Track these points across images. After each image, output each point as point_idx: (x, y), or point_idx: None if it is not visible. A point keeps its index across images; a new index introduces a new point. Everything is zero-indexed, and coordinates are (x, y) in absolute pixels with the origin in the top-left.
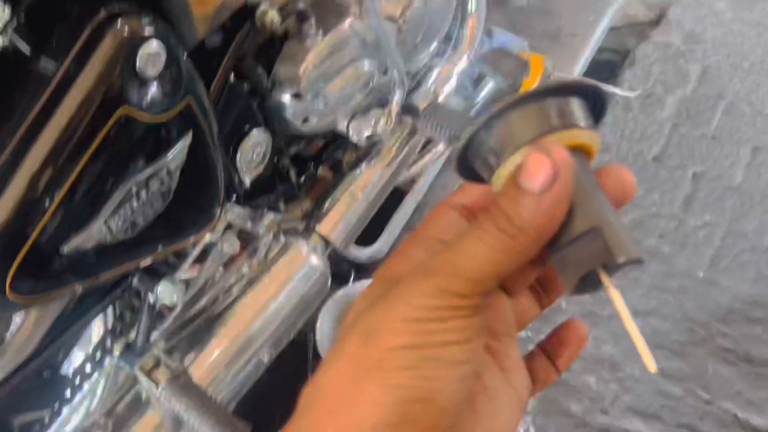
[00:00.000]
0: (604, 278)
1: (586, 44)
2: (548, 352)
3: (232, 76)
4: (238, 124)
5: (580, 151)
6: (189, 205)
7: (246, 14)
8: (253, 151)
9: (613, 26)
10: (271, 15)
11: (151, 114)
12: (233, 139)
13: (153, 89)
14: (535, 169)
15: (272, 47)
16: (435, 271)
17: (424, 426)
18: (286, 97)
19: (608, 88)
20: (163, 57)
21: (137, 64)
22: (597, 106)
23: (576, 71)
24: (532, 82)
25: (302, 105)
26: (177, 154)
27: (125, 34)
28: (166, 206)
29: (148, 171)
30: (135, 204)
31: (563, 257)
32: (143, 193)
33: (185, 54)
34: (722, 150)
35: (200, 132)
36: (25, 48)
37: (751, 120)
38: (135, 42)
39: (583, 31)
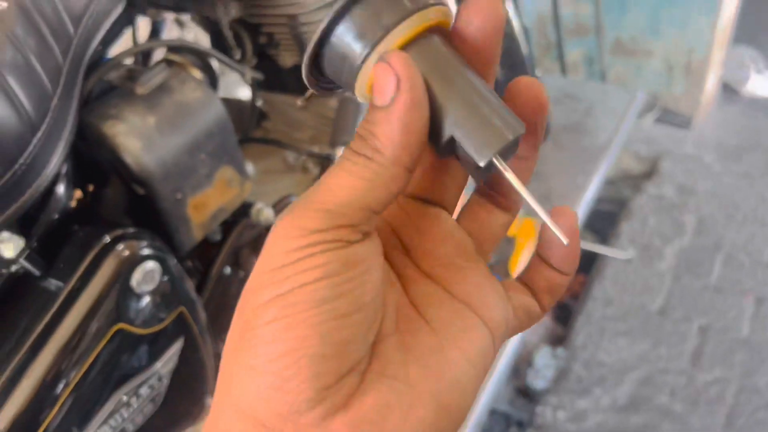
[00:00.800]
0: (498, 165)
1: (577, 205)
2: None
3: (228, 268)
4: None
5: (436, 32)
6: (179, 401)
7: (243, 211)
8: None
9: (608, 179)
10: (266, 212)
11: (145, 328)
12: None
13: (147, 305)
14: (382, 82)
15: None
16: (291, 210)
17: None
18: None
19: (602, 250)
20: (158, 275)
21: (133, 283)
22: None
23: None
24: (523, 246)
25: None
26: (169, 359)
27: (124, 256)
28: (156, 409)
29: (140, 379)
30: (125, 413)
31: (454, 155)
32: (134, 401)
33: (179, 266)
34: (726, 301)
35: (192, 336)
36: (35, 272)
37: (751, 270)
38: (132, 263)
39: (573, 192)
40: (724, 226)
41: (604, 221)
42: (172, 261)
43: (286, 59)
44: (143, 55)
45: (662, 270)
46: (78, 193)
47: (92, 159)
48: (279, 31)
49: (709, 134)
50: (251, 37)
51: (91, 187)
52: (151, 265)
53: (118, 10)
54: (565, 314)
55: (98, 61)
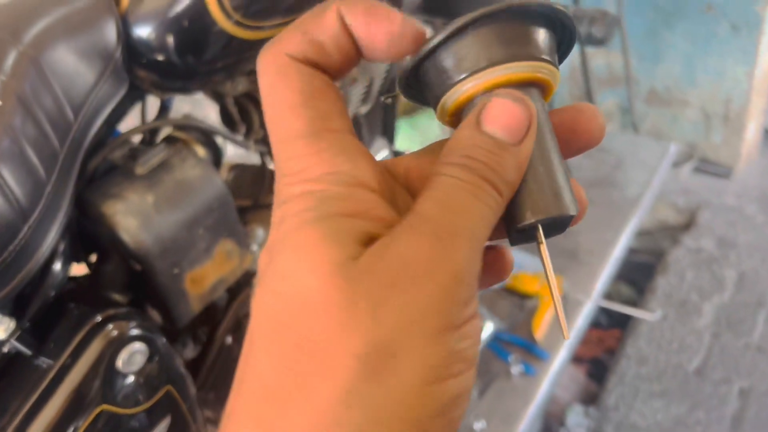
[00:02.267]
0: (540, 234)
1: (605, 262)
2: None
3: (229, 338)
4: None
5: (537, 87)
6: None
7: (246, 279)
8: None
9: (645, 230)
10: None
11: (129, 407)
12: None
13: (132, 385)
14: (508, 118)
15: None
16: (447, 237)
17: None
18: None
19: (629, 311)
20: (144, 355)
21: (119, 364)
22: (564, 38)
23: (595, 289)
24: (547, 306)
25: None
26: None
27: (111, 337)
28: None
29: None
30: None
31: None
32: None
33: (167, 346)
34: None
35: (180, 413)
36: (26, 351)
37: None
38: (119, 344)
39: (601, 248)
40: (767, 281)
41: (640, 273)
42: (161, 340)
43: None
44: (151, 131)
45: (700, 327)
46: (78, 267)
47: (93, 235)
48: None
49: (751, 184)
50: (258, 109)
51: (93, 258)
52: (137, 346)
53: (121, 94)
54: (599, 371)
55: (104, 139)
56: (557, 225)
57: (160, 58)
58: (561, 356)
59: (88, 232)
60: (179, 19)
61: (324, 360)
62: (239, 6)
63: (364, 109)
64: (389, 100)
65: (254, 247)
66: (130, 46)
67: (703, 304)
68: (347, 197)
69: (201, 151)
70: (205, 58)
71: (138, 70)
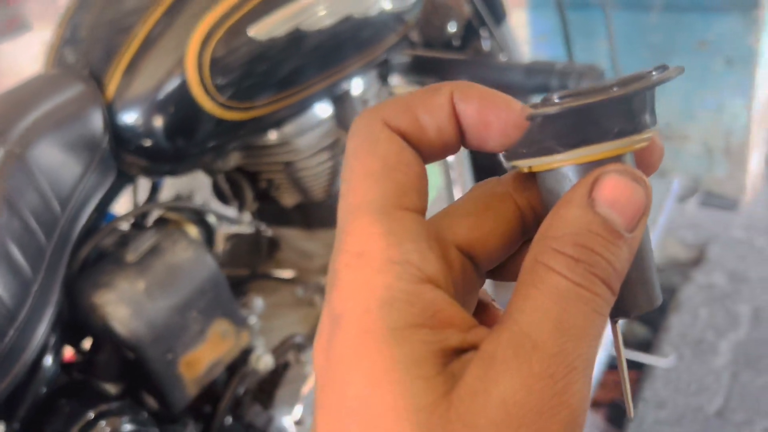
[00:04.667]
0: (619, 325)
1: None
2: None
3: (229, 418)
4: None
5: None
6: None
7: (242, 358)
8: None
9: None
10: (265, 360)
11: None
12: None
13: None
14: (635, 204)
15: (271, 382)
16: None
17: None
18: (288, 422)
19: (642, 358)
20: None
21: None
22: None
23: (608, 337)
24: None
25: (304, 429)
26: None
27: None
28: None
29: None
30: None
31: None
32: None
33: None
34: None
35: None
36: None
37: None
38: None
39: None
40: None
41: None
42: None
43: (288, 200)
44: (142, 214)
45: (718, 367)
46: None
47: (85, 324)
48: (277, 177)
49: (759, 215)
50: (251, 183)
51: (87, 345)
52: None
53: (110, 182)
54: (617, 415)
55: (95, 226)
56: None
57: (148, 143)
58: None
59: (80, 321)
60: (165, 105)
61: None
62: (224, 89)
63: None
64: (527, 112)
65: (253, 319)
66: (117, 133)
67: (720, 342)
68: (415, 300)
69: (193, 230)
70: (193, 141)
71: (126, 156)
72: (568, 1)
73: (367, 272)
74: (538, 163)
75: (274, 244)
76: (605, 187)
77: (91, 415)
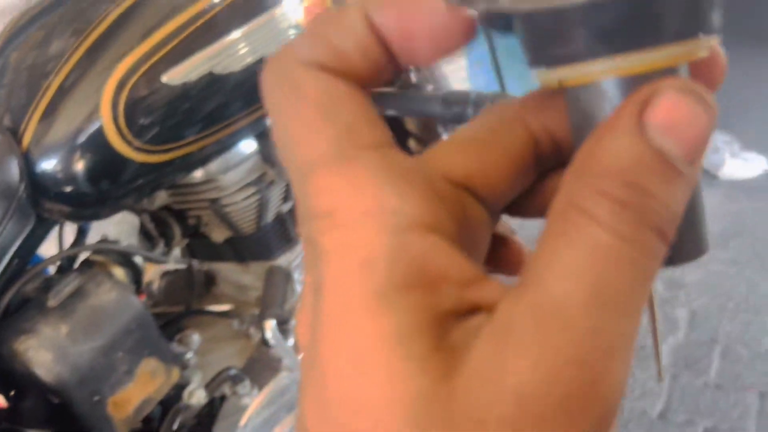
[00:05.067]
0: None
1: None
2: None
3: None
4: None
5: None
6: None
7: (176, 394)
8: None
9: None
10: (197, 395)
11: None
12: None
13: None
14: (696, 132)
15: (209, 416)
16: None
17: None
18: None
19: None
20: None
21: None
22: None
23: None
24: None
25: None
26: None
27: None
28: None
29: None
30: None
31: None
32: None
33: None
34: (728, 399)
35: None
36: None
37: (750, 363)
38: None
39: None
40: (717, 318)
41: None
42: None
43: (217, 235)
44: (68, 257)
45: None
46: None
47: (10, 371)
48: (205, 213)
49: None
50: (179, 221)
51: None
52: None
53: (28, 229)
54: None
55: (19, 271)
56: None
57: (68, 189)
58: None
59: (4, 369)
60: (82, 152)
61: None
62: (140, 133)
63: (287, 207)
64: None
65: (189, 355)
66: (35, 181)
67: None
68: (400, 254)
69: (119, 272)
70: (114, 185)
71: (46, 202)
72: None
73: (341, 232)
74: (573, 75)
75: (210, 279)
76: (661, 108)
77: None
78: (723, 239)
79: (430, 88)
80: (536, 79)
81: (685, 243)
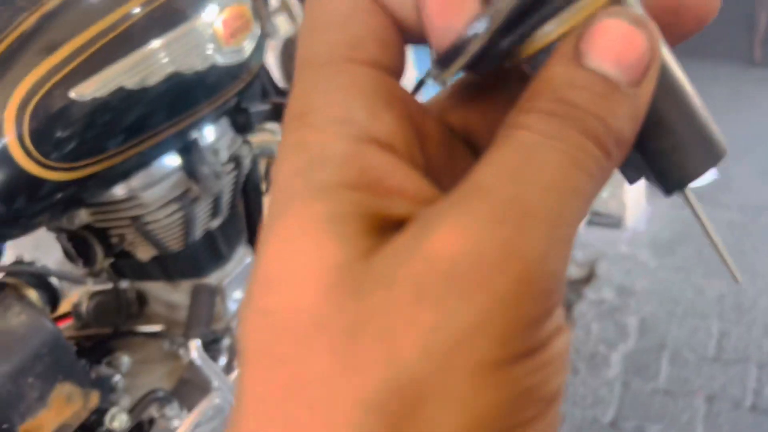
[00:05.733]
0: (689, 194)
1: None
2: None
3: None
4: None
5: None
6: None
7: (98, 419)
8: None
9: None
10: (119, 418)
11: None
12: None
13: None
14: (623, 47)
15: None
16: (516, 224)
17: None
18: None
19: None
20: None
21: None
22: None
23: None
24: None
25: None
26: None
27: None
28: None
29: None
30: None
31: (652, 159)
32: None
33: None
34: (677, 404)
35: None
36: None
37: (696, 367)
38: None
39: None
40: (666, 324)
41: None
42: None
43: (143, 254)
44: None
45: (610, 378)
46: None
47: None
48: (128, 231)
49: (642, 231)
50: (101, 240)
51: None
52: None
53: None
54: None
55: None
56: None
57: None
58: None
59: None
60: None
61: (322, 412)
62: (48, 150)
63: (216, 223)
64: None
65: (116, 377)
66: None
67: (611, 353)
68: (353, 161)
69: (33, 294)
70: (23, 204)
71: None
72: None
73: (303, 132)
74: (526, 50)
75: (141, 299)
76: (594, 35)
77: None
78: (670, 246)
79: None
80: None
81: (689, 153)
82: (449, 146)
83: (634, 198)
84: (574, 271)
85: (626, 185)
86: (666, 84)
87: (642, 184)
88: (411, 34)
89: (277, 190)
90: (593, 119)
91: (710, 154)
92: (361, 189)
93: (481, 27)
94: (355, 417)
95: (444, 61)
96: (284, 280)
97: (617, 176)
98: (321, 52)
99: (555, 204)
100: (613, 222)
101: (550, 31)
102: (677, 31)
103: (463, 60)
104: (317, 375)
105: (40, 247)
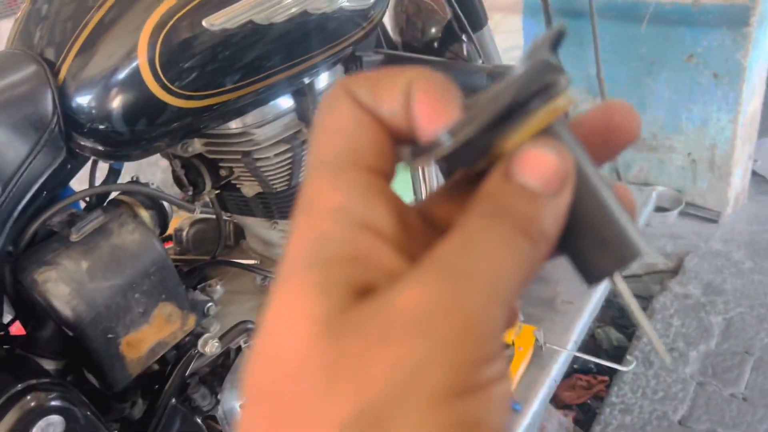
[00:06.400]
0: (618, 282)
1: (582, 312)
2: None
3: (173, 400)
4: None
5: (562, 118)
6: None
7: (192, 341)
8: None
9: (634, 274)
10: (212, 344)
11: None
12: None
13: None
14: (543, 169)
15: (223, 367)
16: (463, 286)
17: None
18: (235, 406)
19: (601, 362)
20: (60, 428)
21: None
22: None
23: (570, 340)
24: (523, 356)
25: None
26: None
27: (27, 408)
28: None
29: None
30: None
31: (573, 255)
32: None
33: (90, 418)
34: (755, 413)
35: None
36: None
37: None
38: (35, 415)
39: (579, 299)
40: (754, 329)
41: (630, 318)
42: (83, 413)
43: (248, 190)
44: (98, 195)
45: (686, 376)
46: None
47: (29, 300)
48: (237, 166)
49: (739, 229)
50: (211, 171)
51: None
52: (54, 418)
53: (58, 162)
54: (588, 417)
55: (48, 203)
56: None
57: (100, 126)
58: (534, 408)
59: (23, 298)
60: (117, 90)
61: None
62: (176, 77)
63: None
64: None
65: (210, 304)
66: (68, 115)
67: (690, 351)
68: (348, 240)
69: (145, 214)
70: (147, 127)
71: (78, 138)
72: (561, 10)
73: (311, 218)
74: (482, 163)
75: (238, 232)
76: (522, 159)
77: (19, 387)
78: (766, 249)
79: (480, 62)
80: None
81: (607, 250)
82: (427, 234)
83: (736, 194)
84: (660, 262)
85: (730, 179)
86: (583, 194)
87: (745, 182)
88: (401, 136)
89: (286, 260)
90: (520, 217)
91: (622, 256)
92: (351, 264)
93: (447, 138)
94: None
95: (415, 153)
96: (279, 329)
97: (723, 168)
98: (328, 157)
99: (493, 270)
100: (710, 216)
101: (501, 148)
102: (608, 149)
103: (426, 159)
104: (303, 404)
105: (141, 173)
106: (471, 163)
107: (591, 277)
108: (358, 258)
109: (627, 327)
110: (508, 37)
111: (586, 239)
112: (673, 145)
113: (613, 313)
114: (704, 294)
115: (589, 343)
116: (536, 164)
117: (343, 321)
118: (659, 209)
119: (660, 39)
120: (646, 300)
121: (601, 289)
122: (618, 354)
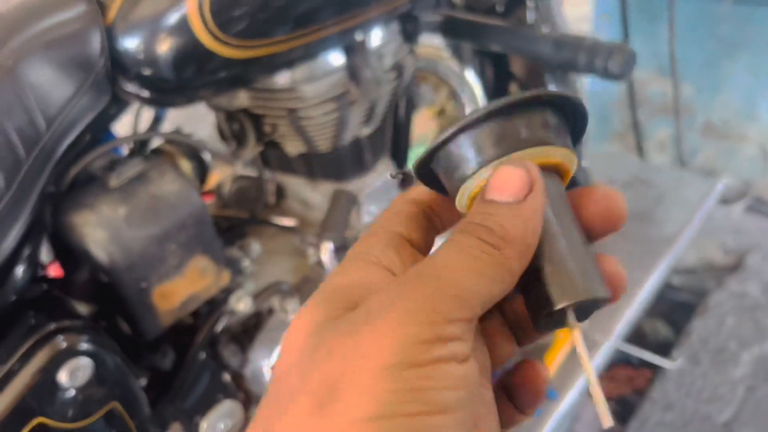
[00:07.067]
0: (570, 318)
1: (630, 302)
2: (508, 393)
3: (203, 354)
4: (206, 396)
5: (553, 172)
6: None
7: (224, 297)
8: (222, 421)
9: (688, 268)
10: (244, 301)
11: (68, 422)
12: (200, 409)
13: (71, 400)
14: (506, 182)
15: (254, 326)
16: (419, 284)
17: None
18: (264, 365)
19: (646, 356)
20: (89, 371)
21: (60, 377)
22: (577, 124)
23: (615, 330)
24: (563, 342)
25: None
26: None
27: (57, 349)
28: None
29: None
30: None
31: (526, 292)
32: None
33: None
34: None
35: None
36: None
37: None
38: (64, 357)
39: (629, 288)
40: None
41: (680, 312)
42: (112, 357)
43: (291, 148)
44: (140, 142)
45: (735, 378)
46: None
47: (66, 243)
48: (282, 123)
49: None
50: (255, 126)
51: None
52: (83, 361)
53: (102, 105)
54: (624, 411)
55: (88, 148)
56: (586, 309)
57: (145, 72)
58: (571, 397)
59: (62, 240)
60: (164, 36)
61: (287, 403)
62: (225, 25)
63: (366, 131)
64: (399, 177)
65: (246, 262)
66: (115, 58)
67: (742, 353)
68: (363, 272)
69: (186, 165)
70: (192, 75)
71: (123, 82)
72: None
73: (347, 258)
74: (474, 185)
75: (280, 191)
76: (492, 181)
77: (51, 327)
78: None
79: (545, 30)
80: (464, 207)
81: (564, 283)
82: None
83: None
84: (719, 257)
85: None
86: (548, 235)
87: None
88: (439, 217)
89: (312, 296)
90: (485, 229)
91: (575, 291)
92: (352, 286)
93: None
94: (302, 401)
95: (404, 180)
96: (287, 345)
97: None
98: (381, 223)
99: (458, 276)
100: None
101: (483, 178)
102: (598, 230)
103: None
104: (293, 384)
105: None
106: (456, 188)
107: (541, 311)
108: (363, 284)
109: (676, 322)
110: (576, 8)
111: (546, 275)
112: (745, 134)
113: (665, 307)
114: (764, 294)
115: (635, 336)
116: (501, 178)
117: (333, 322)
118: (723, 201)
119: (742, 19)
120: (699, 295)
121: (652, 281)
122: (664, 350)
